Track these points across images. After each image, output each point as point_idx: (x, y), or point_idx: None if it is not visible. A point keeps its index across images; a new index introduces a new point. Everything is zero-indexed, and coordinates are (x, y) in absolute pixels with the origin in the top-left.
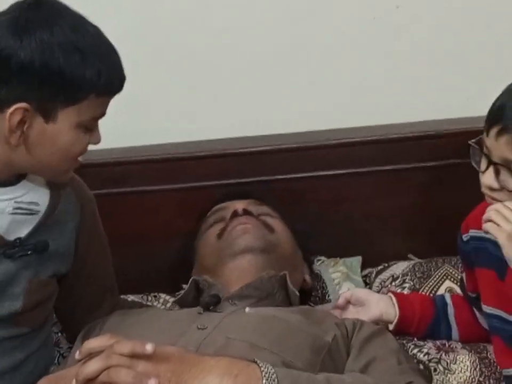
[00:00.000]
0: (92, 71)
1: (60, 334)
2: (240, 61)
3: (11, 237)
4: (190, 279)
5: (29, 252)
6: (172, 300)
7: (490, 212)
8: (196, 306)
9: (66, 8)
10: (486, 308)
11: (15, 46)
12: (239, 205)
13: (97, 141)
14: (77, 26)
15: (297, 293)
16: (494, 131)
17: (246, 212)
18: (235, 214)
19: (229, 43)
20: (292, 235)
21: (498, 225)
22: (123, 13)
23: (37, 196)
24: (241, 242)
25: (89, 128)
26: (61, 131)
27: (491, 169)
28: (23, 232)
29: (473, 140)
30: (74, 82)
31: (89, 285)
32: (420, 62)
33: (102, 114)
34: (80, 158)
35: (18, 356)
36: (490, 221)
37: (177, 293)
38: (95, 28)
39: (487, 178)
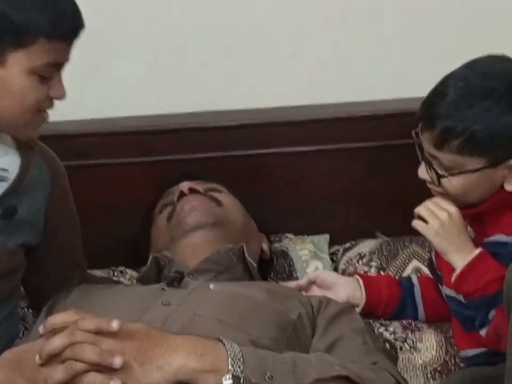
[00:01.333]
0: (37, 14)
1: (26, 310)
2: (212, 32)
3: None
4: (150, 257)
5: None
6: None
7: (419, 208)
8: (157, 282)
9: None
10: (446, 290)
11: None
12: (185, 185)
13: (59, 95)
14: None
15: (255, 264)
16: (419, 126)
17: (192, 191)
18: (181, 195)
19: (200, 12)
20: (243, 207)
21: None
22: None
23: (6, 162)
24: (190, 220)
25: (45, 77)
26: (12, 76)
27: (423, 162)
28: None
29: (415, 130)
30: (19, 25)
31: (59, 258)
32: (377, 42)
33: (58, 62)
34: (46, 114)
35: None
36: (420, 217)
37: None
38: None
39: (420, 171)
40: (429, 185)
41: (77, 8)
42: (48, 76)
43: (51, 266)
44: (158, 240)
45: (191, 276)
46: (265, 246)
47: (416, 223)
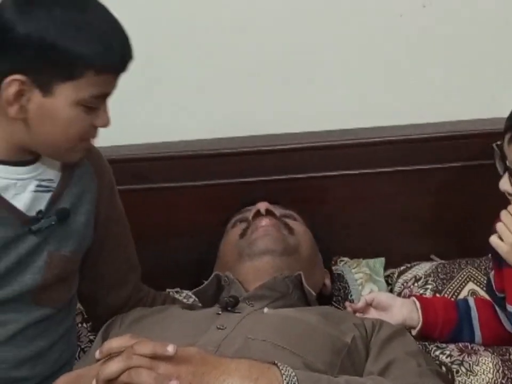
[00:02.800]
0: (87, 47)
1: (81, 325)
2: (258, 59)
3: (32, 213)
4: (213, 274)
5: (53, 222)
6: None
7: (497, 224)
8: (214, 301)
9: None
10: (511, 308)
11: (15, 19)
12: (263, 205)
13: (103, 123)
14: (78, 3)
15: (314, 293)
16: (507, 137)
17: (269, 212)
18: (258, 214)
19: (243, 42)
20: (313, 239)
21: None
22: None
23: (53, 172)
24: (260, 244)
25: (92, 108)
26: (59, 106)
27: (506, 174)
28: (42, 206)
29: (496, 143)
30: (69, 58)
31: (112, 261)
32: (445, 61)
33: (105, 93)
34: (91, 140)
35: (41, 344)
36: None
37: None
38: (100, 6)
39: (503, 183)
40: (509, 198)
41: (127, 41)
42: (95, 106)
43: (104, 269)
44: (226, 253)
45: (246, 302)
46: (327, 282)
47: (492, 238)
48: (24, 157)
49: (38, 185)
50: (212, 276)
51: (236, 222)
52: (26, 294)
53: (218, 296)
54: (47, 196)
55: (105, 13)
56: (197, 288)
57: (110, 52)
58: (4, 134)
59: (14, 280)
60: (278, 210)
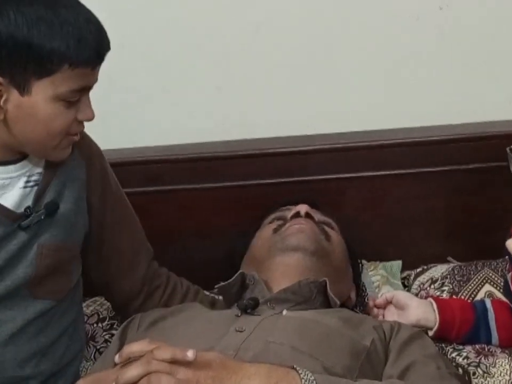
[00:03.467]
0: (60, 41)
1: (96, 325)
2: (274, 61)
3: (21, 209)
4: (239, 271)
5: (42, 217)
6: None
7: None
8: (237, 299)
9: None
10: None
11: None
12: (303, 208)
13: (86, 117)
14: (48, 1)
15: (338, 301)
16: None
17: (308, 215)
18: (296, 215)
19: (264, 41)
20: (347, 252)
21: None
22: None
23: (41, 166)
24: (294, 239)
25: (71, 102)
26: (38, 104)
27: None
28: (29, 202)
29: (510, 146)
30: (42, 53)
31: (116, 246)
32: (462, 64)
33: (84, 87)
34: (76, 136)
35: (43, 340)
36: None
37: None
38: (73, 2)
39: None
40: None
41: (102, 32)
42: (75, 100)
43: (110, 255)
44: (257, 247)
45: (268, 304)
46: (353, 296)
47: (507, 243)
48: (11, 156)
49: (27, 181)
50: (237, 274)
51: (273, 219)
52: (21, 287)
53: (242, 294)
54: (34, 189)
55: (76, 7)
56: (221, 284)
57: (83, 45)
58: None
59: (6, 276)
60: (317, 215)
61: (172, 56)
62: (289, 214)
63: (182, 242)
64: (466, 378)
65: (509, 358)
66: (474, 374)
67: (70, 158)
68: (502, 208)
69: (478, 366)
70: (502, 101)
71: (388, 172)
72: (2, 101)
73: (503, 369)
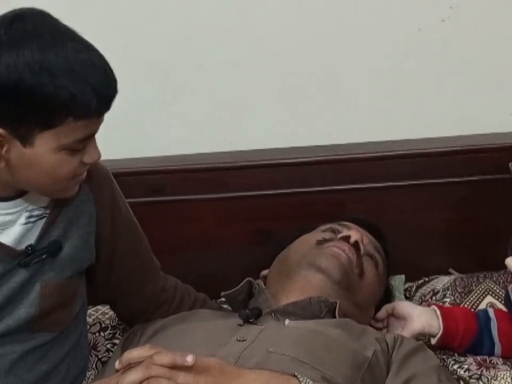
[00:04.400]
0: (64, 93)
1: (98, 334)
2: (281, 71)
3: (22, 246)
4: (245, 279)
5: (44, 256)
6: None
7: None
8: (243, 307)
9: (45, 24)
10: None
11: None
12: (357, 236)
13: (92, 160)
14: (51, 45)
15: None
16: None
17: (355, 245)
18: (345, 239)
19: (272, 52)
20: (377, 294)
21: None
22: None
23: (45, 199)
24: (325, 261)
25: (76, 150)
26: (41, 155)
27: None
28: (32, 239)
29: None
30: (46, 106)
31: (126, 270)
32: (463, 76)
33: (88, 135)
34: (82, 176)
35: (43, 368)
36: None
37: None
38: (76, 44)
39: None
40: None
41: (109, 78)
42: (83, 148)
43: (117, 279)
44: (294, 249)
45: (272, 315)
46: None
47: (507, 261)
48: (13, 193)
49: (29, 216)
50: (244, 282)
51: (327, 229)
52: (22, 326)
53: (248, 302)
54: (40, 224)
55: (82, 50)
56: (227, 292)
57: (88, 96)
58: None
59: (8, 315)
60: (367, 247)
61: (173, 68)
62: (342, 230)
63: (185, 253)
64: None
65: (510, 370)
66: None
67: (78, 193)
68: (503, 220)
69: (479, 378)
70: (504, 113)
71: (389, 184)
72: (3, 150)
73: (505, 382)
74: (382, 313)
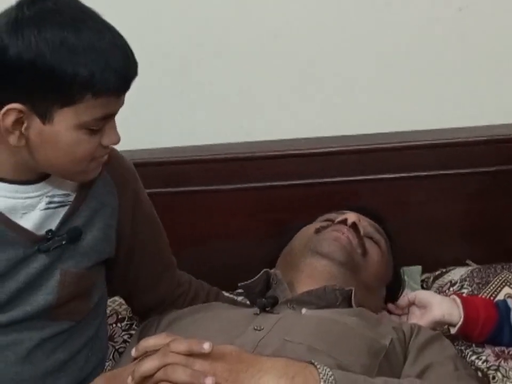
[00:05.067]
0: (83, 69)
1: (115, 325)
2: (296, 62)
3: (42, 231)
4: (262, 270)
5: (63, 242)
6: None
7: None
8: (260, 298)
9: (66, 4)
10: None
11: (3, 44)
12: (353, 217)
13: (111, 142)
14: (72, 22)
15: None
16: None
17: (353, 226)
18: (342, 222)
19: (281, 45)
20: (385, 272)
21: None
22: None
23: (68, 186)
24: (326, 246)
25: (95, 129)
26: (60, 132)
27: None
28: (53, 225)
29: None
30: (65, 82)
31: (145, 264)
32: (481, 67)
33: (108, 114)
34: (104, 158)
35: (61, 357)
36: None
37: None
38: (97, 23)
39: None
40: None
41: (128, 58)
42: (102, 128)
43: (138, 273)
44: (296, 242)
45: (288, 304)
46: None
47: None
48: (34, 176)
49: (49, 202)
50: (261, 273)
51: (319, 220)
52: (40, 313)
53: (265, 292)
54: (62, 212)
55: (102, 30)
56: (245, 283)
57: (108, 73)
58: (9, 158)
59: (26, 301)
60: (366, 228)
61: (189, 59)
62: (337, 217)
63: (202, 244)
64: (486, 381)
65: None
66: (494, 378)
67: (102, 184)
68: None
69: (497, 369)
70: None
71: (406, 174)
72: (23, 128)
73: None
74: (403, 301)
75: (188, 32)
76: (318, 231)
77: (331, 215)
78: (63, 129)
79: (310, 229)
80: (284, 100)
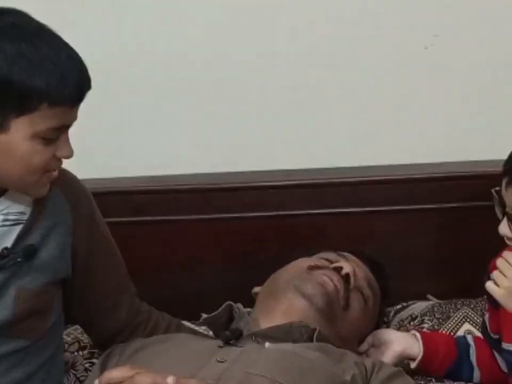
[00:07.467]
0: (40, 79)
1: (77, 353)
2: (265, 94)
3: None
4: (225, 303)
5: (19, 259)
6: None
7: (494, 272)
8: (225, 329)
9: (24, 19)
10: (507, 346)
11: None
12: (348, 268)
13: (65, 155)
14: (30, 36)
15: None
16: (505, 182)
17: (346, 278)
18: (337, 269)
19: (256, 76)
20: (362, 330)
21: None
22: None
23: (23, 205)
24: (310, 287)
25: (50, 140)
26: (15, 142)
27: (505, 218)
28: (9, 242)
29: (495, 188)
30: (22, 91)
31: (101, 289)
32: (446, 103)
33: (63, 125)
34: (55, 172)
35: (16, 376)
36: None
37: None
38: (55, 38)
39: (502, 227)
40: (508, 242)
41: (83, 71)
42: (53, 138)
43: (93, 295)
44: (285, 270)
45: (253, 337)
46: None
47: (487, 285)
48: None
49: (4, 220)
50: (224, 305)
51: (323, 258)
52: None
53: (229, 325)
54: (17, 229)
55: (59, 44)
56: (208, 316)
57: (63, 84)
58: None
59: None
60: (360, 281)
61: (158, 87)
62: (336, 260)
63: (167, 273)
64: None
65: None
66: None
67: (56, 203)
68: (483, 248)
69: None
70: (485, 141)
71: (369, 209)
72: None
73: None
74: (364, 346)
75: (162, 60)
76: (311, 268)
77: (331, 255)
78: (18, 139)
79: (305, 262)
80: (248, 132)
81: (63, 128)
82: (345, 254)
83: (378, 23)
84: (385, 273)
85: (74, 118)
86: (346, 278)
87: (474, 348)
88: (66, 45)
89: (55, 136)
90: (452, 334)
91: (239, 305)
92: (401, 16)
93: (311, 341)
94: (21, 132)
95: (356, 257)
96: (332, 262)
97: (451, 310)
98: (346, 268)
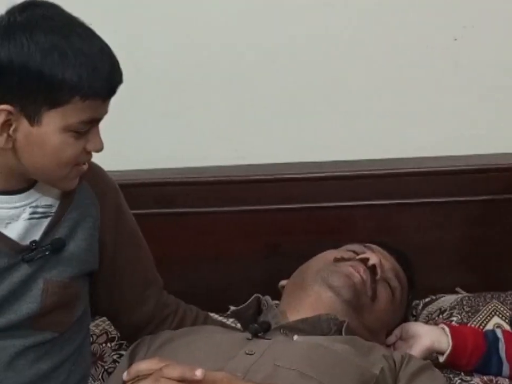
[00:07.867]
0: (72, 72)
1: (105, 345)
2: (292, 87)
3: (26, 241)
4: (253, 296)
5: (47, 253)
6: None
7: None
8: (253, 322)
9: (56, 12)
10: None
11: None
12: (375, 259)
13: (95, 148)
14: (62, 28)
15: None
16: None
17: (372, 269)
18: (363, 260)
19: (281, 66)
20: (390, 321)
21: None
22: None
23: (51, 198)
24: (336, 279)
25: (81, 133)
26: (47, 135)
27: None
28: (37, 235)
29: None
30: (54, 84)
31: (128, 281)
32: (476, 95)
33: (94, 118)
34: (85, 166)
35: (42, 367)
36: None
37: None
38: (86, 30)
39: None
40: None
41: (115, 64)
42: (84, 131)
43: (122, 290)
44: (313, 262)
45: (281, 330)
46: None
47: None
48: (18, 185)
49: (33, 213)
50: (252, 298)
51: (346, 249)
52: (24, 321)
53: (257, 317)
54: (45, 222)
55: (91, 37)
56: (236, 308)
57: (95, 77)
58: None
59: (10, 310)
60: (387, 272)
61: (184, 80)
62: (363, 251)
63: (194, 266)
64: None
65: None
66: None
67: (83, 195)
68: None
69: None
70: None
71: (398, 201)
72: (11, 130)
73: None
74: (392, 338)
75: (181, 54)
76: (337, 260)
77: (357, 247)
78: (50, 131)
79: (332, 254)
80: (277, 124)
81: (94, 122)
82: (372, 245)
83: (401, 14)
84: (412, 264)
85: (105, 111)
86: (372, 269)
87: (503, 341)
88: (98, 38)
89: (86, 130)
90: (481, 327)
91: (267, 297)
92: (430, 7)
93: (340, 333)
94: (52, 125)
95: (382, 249)
96: (358, 254)
97: (480, 303)
98: (373, 259)
